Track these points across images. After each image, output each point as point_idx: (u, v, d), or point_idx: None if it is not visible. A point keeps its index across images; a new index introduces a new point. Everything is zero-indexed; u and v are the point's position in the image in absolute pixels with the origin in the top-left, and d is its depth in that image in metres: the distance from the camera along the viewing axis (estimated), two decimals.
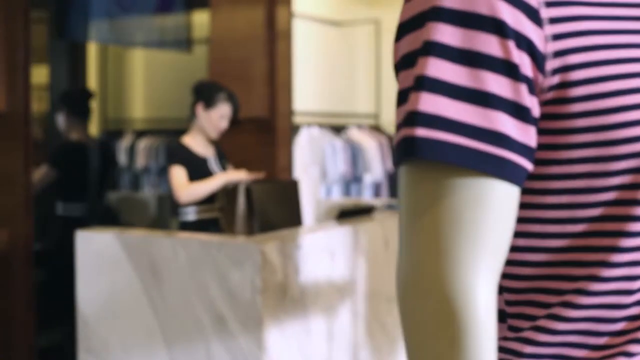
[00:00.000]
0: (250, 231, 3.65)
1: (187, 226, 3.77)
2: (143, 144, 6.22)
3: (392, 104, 6.86)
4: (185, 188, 3.71)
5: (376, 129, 6.59)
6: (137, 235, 3.13)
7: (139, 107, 6.93)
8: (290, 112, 5.38)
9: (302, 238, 3.04)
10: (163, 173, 6.21)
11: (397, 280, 0.77)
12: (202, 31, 5.72)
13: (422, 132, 0.73)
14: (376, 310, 3.54)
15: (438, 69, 0.74)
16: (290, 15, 5.30)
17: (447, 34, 0.75)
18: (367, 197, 6.00)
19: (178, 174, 3.73)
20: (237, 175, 3.82)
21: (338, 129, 6.17)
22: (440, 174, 0.74)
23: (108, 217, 4.53)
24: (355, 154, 5.98)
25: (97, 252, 3.15)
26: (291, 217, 3.87)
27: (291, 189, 4.00)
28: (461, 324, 0.71)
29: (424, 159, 0.73)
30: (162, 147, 6.14)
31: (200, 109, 3.85)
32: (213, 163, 3.93)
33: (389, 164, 6.31)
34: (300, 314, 3.03)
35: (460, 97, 0.74)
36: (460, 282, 0.72)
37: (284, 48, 5.31)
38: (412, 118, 0.74)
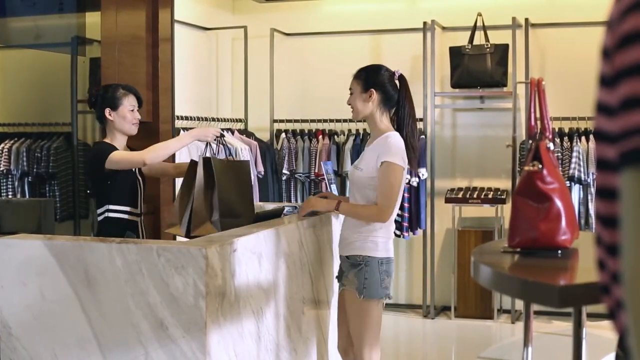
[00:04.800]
0: (208, 201, 3.64)
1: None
2: (6, 147, 5.94)
3: (258, 108, 6.94)
4: (146, 149, 3.65)
5: (245, 133, 6.65)
6: (68, 241, 3.04)
7: None
8: (172, 117, 5.35)
9: (237, 241, 3.07)
10: (24, 177, 5.95)
11: (629, 270, 0.86)
12: (70, 33, 5.55)
13: None
14: (293, 311, 3.62)
15: None
16: (172, 19, 5.27)
17: None
18: None
19: (121, 153, 3.70)
20: (206, 132, 3.82)
21: None
22: None
23: None
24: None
25: (22, 259, 3.02)
26: (244, 193, 3.87)
27: (244, 168, 4.02)
28: None
29: None
30: (26, 150, 5.88)
31: (109, 114, 3.78)
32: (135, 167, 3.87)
33: (260, 167, 6.39)
34: (235, 316, 3.06)
35: None
36: None
37: (166, 52, 5.27)
38: None
